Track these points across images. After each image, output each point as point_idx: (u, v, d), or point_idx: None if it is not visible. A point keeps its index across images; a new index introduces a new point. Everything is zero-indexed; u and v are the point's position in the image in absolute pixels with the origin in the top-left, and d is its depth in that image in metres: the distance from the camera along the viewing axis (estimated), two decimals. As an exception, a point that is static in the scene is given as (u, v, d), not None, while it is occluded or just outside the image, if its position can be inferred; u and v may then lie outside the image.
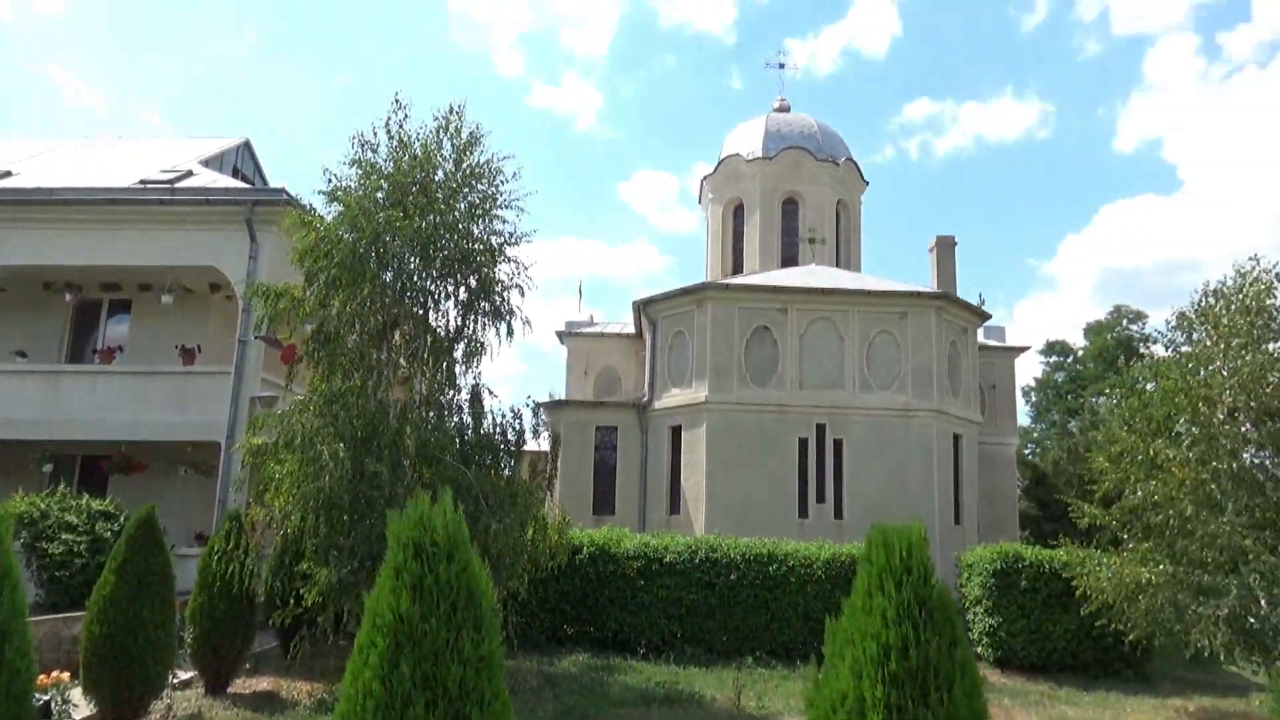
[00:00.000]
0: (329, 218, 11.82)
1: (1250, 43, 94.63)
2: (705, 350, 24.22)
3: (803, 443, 23.69)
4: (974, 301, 26.33)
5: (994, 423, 28.60)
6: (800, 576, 15.48)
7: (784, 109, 34.45)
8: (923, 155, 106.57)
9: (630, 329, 30.68)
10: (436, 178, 11.73)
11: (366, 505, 10.98)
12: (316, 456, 10.79)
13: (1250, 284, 13.07)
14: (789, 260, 30.70)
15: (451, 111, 11.94)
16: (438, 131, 11.88)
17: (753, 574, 15.53)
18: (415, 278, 11.70)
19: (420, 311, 11.90)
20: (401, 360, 12.16)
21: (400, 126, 11.85)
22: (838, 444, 23.68)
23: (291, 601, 11.39)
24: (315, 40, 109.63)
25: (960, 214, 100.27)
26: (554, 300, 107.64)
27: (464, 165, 11.90)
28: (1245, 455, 12.73)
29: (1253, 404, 12.57)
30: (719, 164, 33.16)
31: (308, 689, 11.92)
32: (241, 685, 12.04)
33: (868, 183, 33.41)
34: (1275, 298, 12.92)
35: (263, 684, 12.25)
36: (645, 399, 26.01)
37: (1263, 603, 11.73)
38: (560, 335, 32.03)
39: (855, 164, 32.81)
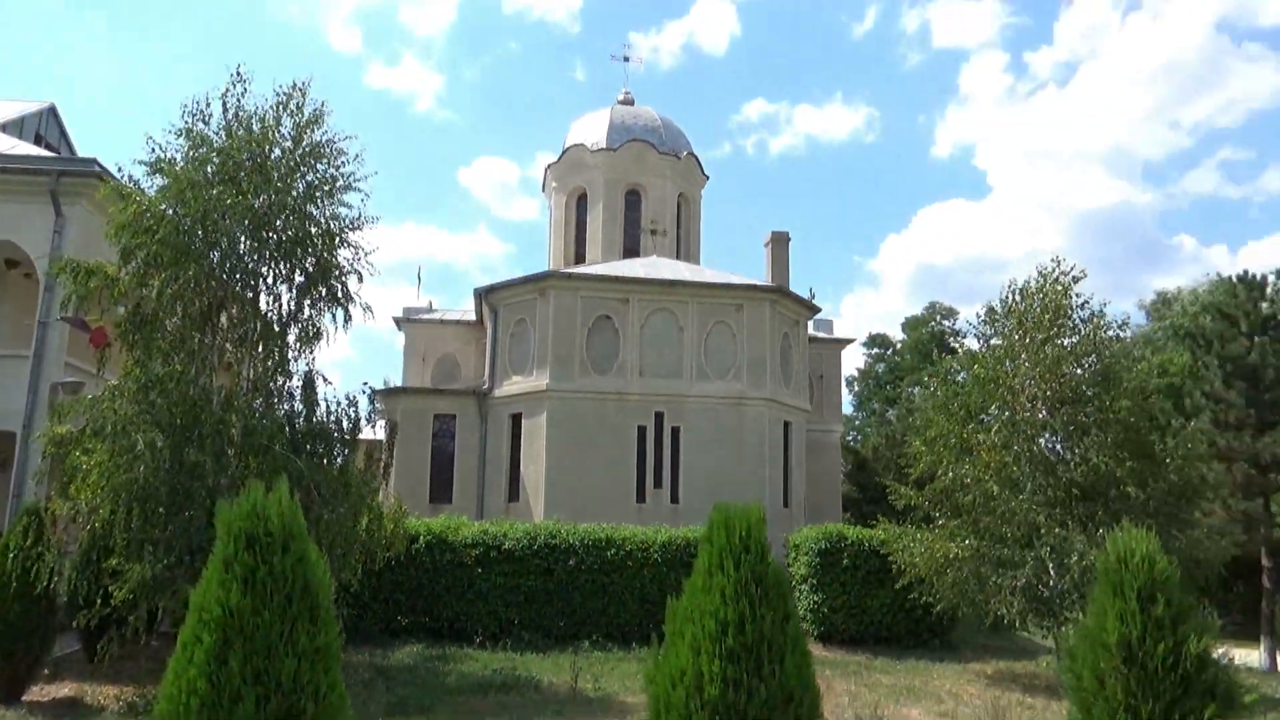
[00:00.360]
0: (151, 191, 11.01)
1: (1051, 63, 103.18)
2: (547, 338, 24.21)
3: (641, 430, 24.11)
4: (805, 296, 27.53)
5: (821, 411, 30.03)
6: (638, 560, 15.79)
7: (628, 101, 34.78)
8: (759, 153, 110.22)
9: (471, 316, 30.25)
10: (273, 155, 11.16)
11: (186, 497, 10.37)
12: (131, 446, 10.08)
13: (1051, 283, 14.37)
14: (631, 251, 31.08)
15: (294, 88, 11.39)
16: (277, 107, 11.29)
17: (591, 559, 15.71)
18: (246, 259, 11.09)
19: (250, 295, 11.30)
20: (228, 345, 11.53)
21: (238, 101, 11.20)
22: (675, 431, 24.24)
23: (99, 601, 10.60)
24: (129, 3, 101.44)
25: (793, 211, 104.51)
26: (391, 285, 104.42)
27: (303, 144, 11.37)
28: (1041, 440, 14.01)
29: (1049, 393, 13.85)
30: (563, 153, 33.13)
31: (115, 693, 11.16)
32: (39, 693, 11.13)
33: (708, 177, 34.24)
34: (1071, 297, 14.28)
35: (64, 690, 11.37)
36: (486, 387, 25.75)
37: (1052, 572, 12.96)
38: (398, 321, 31.18)
39: (696, 158, 33.55)
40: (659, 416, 24.23)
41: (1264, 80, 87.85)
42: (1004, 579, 13.28)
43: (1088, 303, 14.42)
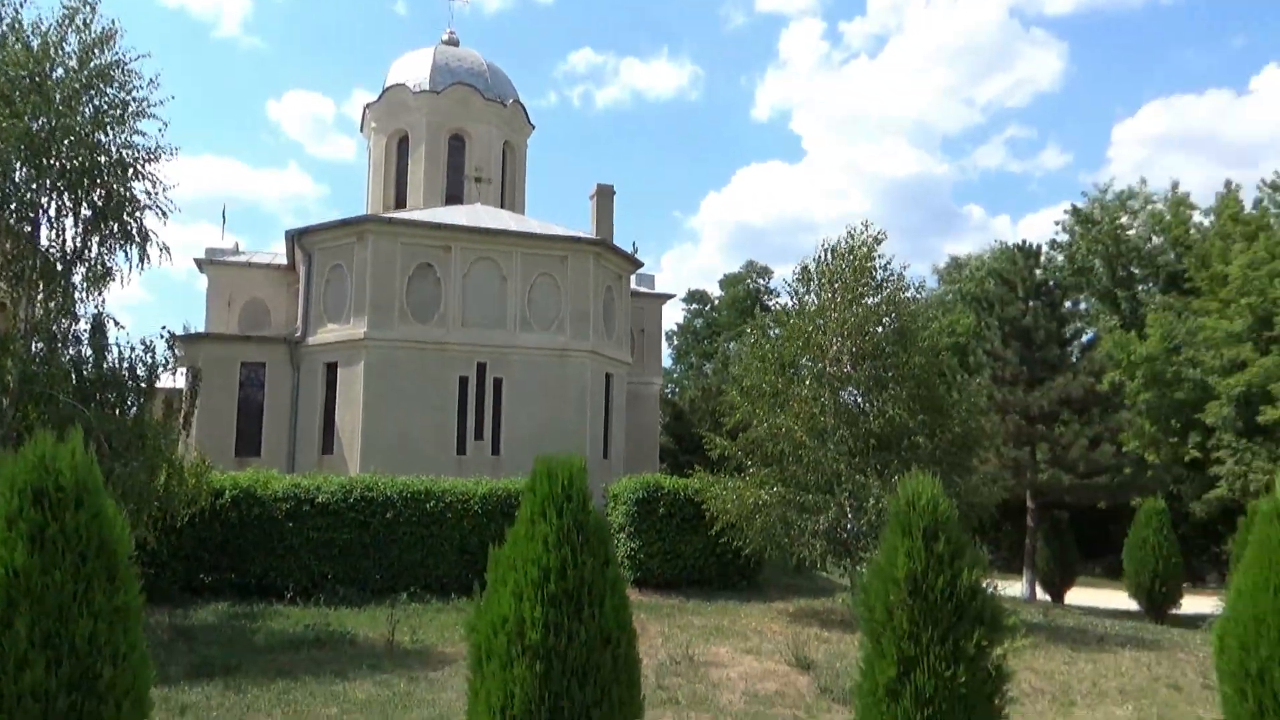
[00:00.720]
0: (-99, 105, 9.73)
1: (864, 34, 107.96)
2: (365, 285, 23.36)
3: (463, 381, 23.83)
4: (629, 250, 27.87)
5: (641, 364, 30.67)
6: (457, 512, 15.73)
7: (453, 42, 33.65)
8: (585, 104, 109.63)
9: (282, 260, 28.69)
10: (56, 75, 10.08)
11: (-48, 450, 9.41)
12: (-118, 393, 9.02)
13: (858, 245, 15.25)
14: (454, 198, 30.34)
15: (83, 2, 10.28)
16: (62, 22, 10.17)
17: (409, 511, 15.51)
18: (23, 188, 10.03)
19: (29, 228, 10.25)
20: (1, 284, 10.44)
21: (16, 12, 10.01)
22: (498, 382, 24.11)
23: None
24: None
25: (617, 164, 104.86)
26: (189, 223, 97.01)
27: (91, 64, 10.32)
28: (844, 393, 14.99)
29: (854, 349, 14.79)
30: (383, 93, 31.75)
31: None
32: None
33: (534, 126, 33.80)
34: (875, 259, 15.22)
35: None
36: (298, 334, 24.62)
37: (850, 516, 13.98)
38: (200, 263, 29.10)
39: (522, 106, 33.02)
40: (481, 367, 24.01)
41: (1048, 65, 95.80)
42: (808, 523, 14.20)
43: (889, 264, 15.44)
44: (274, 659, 11.00)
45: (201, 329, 26.50)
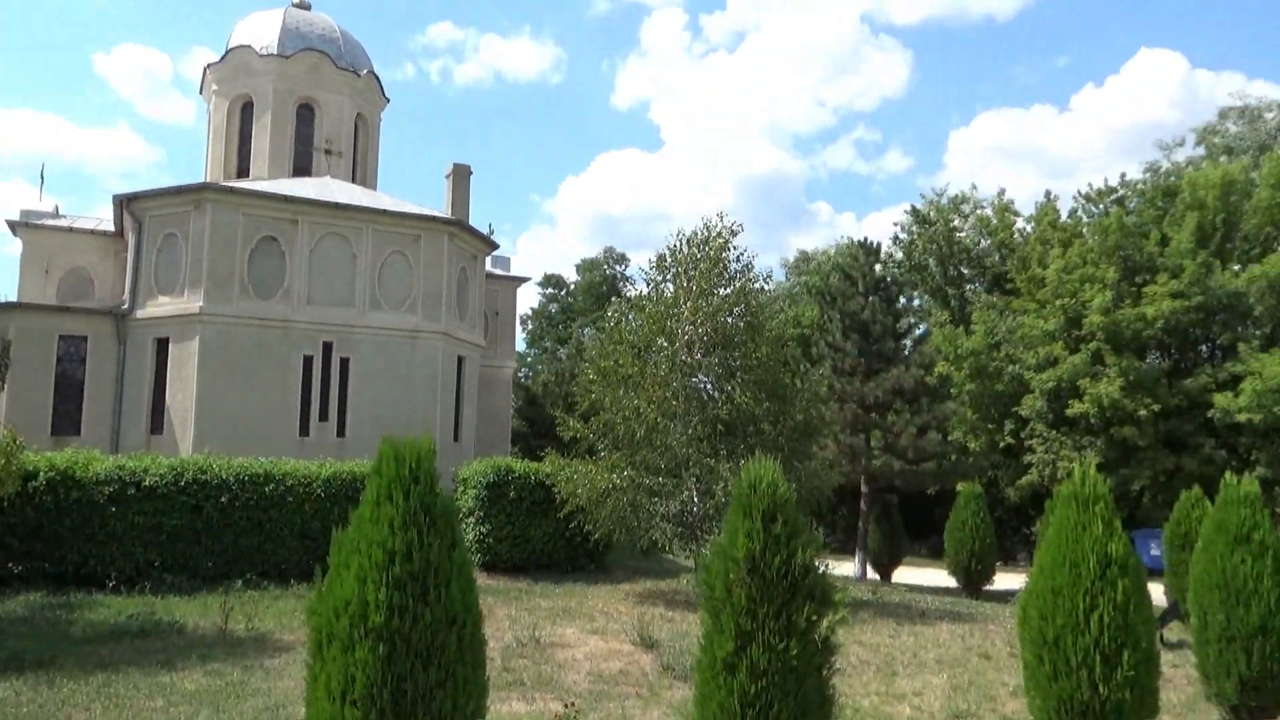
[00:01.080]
0: None
1: (725, 29, 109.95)
2: (202, 257, 22.12)
3: (308, 360, 22.97)
4: (484, 231, 27.52)
5: (495, 347, 30.40)
6: (299, 495, 15.20)
7: (304, 6, 32.16)
8: (443, 80, 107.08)
9: (108, 226, 26.78)
10: None
11: None
12: None
13: (715, 236, 15.64)
14: (302, 170, 29.10)
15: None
16: None
17: (247, 495, 14.87)
18: None
19: None
20: None
21: None
22: (344, 362, 23.37)
23: None
24: None
25: (474, 143, 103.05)
26: (1, 180, 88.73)
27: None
28: (695, 379, 15.40)
29: (706, 337, 15.20)
30: (227, 53, 30.03)
31: None
32: None
33: (389, 99, 32.81)
34: (730, 250, 15.65)
35: None
36: (126, 307, 23.07)
37: (696, 500, 14.39)
38: (13, 226, 26.76)
39: (377, 78, 31.98)
40: (327, 347, 23.21)
41: (894, 72, 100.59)
42: (657, 506, 14.52)
43: (742, 255, 15.92)
44: (93, 651, 10.35)
45: (14, 298, 24.57)
